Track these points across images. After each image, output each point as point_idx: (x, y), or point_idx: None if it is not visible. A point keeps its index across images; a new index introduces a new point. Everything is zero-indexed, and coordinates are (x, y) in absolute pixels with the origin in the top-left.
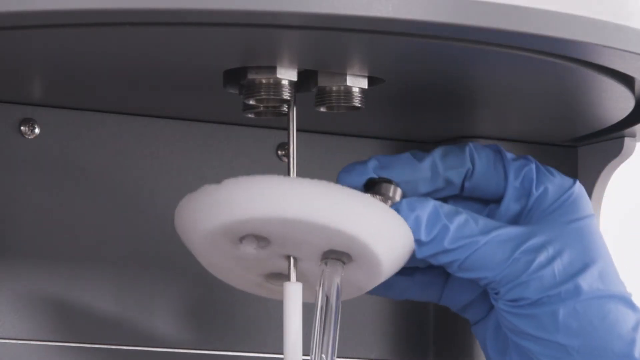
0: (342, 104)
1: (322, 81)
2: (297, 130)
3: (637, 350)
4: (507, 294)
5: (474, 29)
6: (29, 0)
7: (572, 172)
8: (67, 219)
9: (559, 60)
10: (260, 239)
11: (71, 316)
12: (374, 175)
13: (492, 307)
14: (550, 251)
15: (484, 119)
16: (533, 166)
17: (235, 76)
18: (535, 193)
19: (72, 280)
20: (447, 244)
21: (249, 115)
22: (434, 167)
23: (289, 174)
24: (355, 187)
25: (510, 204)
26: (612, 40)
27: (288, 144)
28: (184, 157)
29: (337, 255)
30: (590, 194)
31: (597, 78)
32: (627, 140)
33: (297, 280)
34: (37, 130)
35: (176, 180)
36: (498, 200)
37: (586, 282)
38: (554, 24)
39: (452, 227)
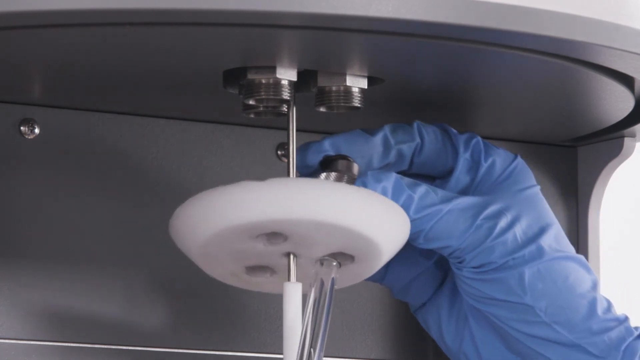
0: (342, 104)
1: (322, 81)
2: (297, 130)
3: (599, 308)
4: (472, 260)
5: (474, 29)
6: (29, 0)
7: (572, 172)
8: (67, 219)
9: (559, 60)
10: (273, 238)
11: (71, 316)
12: (330, 153)
13: (438, 286)
14: (508, 217)
15: (484, 119)
16: (479, 139)
17: (235, 76)
18: (485, 164)
19: (72, 280)
20: (412, 213)
21: (249, 115)
22: (385, 141)
23: (288, 174)
24: (311, 165)
25: (460, 176)
26: (612, 40)
27: (288, 144)
28: (184, 157)
29: (335, 256)
30: (590, 194)
31: (597, 78)
32: (627, 140)
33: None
34: (37, 130)
35: (176, 180)
36: (444, 176)
37: (546, 244)
38: (554, 24)
39: (416, 196)
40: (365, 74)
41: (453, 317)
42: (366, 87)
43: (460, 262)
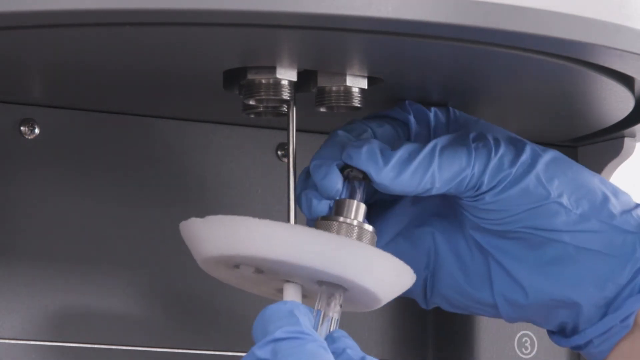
0: (342, 104)
1: (322, 81)
2: (297, 130)
3: (614, 188)
4: (490, 179)
5: (474, 29)
6: (29, 0)
7: None
8: (67, 219)
9: (559, 60)
10: (256, 267)
11: (71, 316)
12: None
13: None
14: (490, 136)
15: (484, 118)
16: (408, 101)
17: (235, 76)
18: (430, 113)
19: (71, 280)
20: (415, 166)
21: (249, 116)
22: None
23: (288, 174)
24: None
25: (417, 134)
26: (612, 40)
27: (288, 144)
28: (184, 157)
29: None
30: None
31: (597, 78)
32: (627, 140)
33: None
34: (37, 130)
35: (176, 180)
36: None
37: (535, 146)
38: (554, 24)
39: (408, 148)
40: (365, 74)
41: (471, 272)
42: (366, 87)
43: (477, 191)
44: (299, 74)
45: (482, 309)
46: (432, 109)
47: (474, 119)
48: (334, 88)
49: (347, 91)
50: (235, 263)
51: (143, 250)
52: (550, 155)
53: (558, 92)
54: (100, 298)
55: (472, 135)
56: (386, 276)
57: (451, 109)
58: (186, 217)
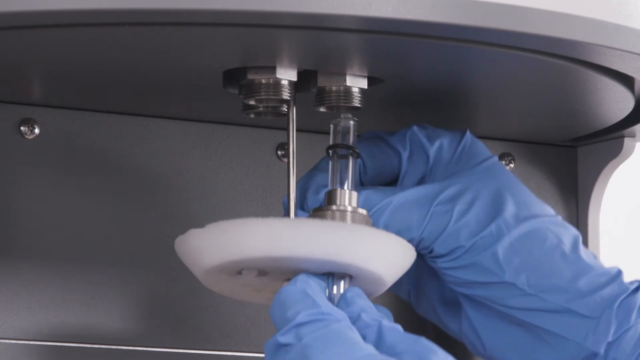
0: (342, 104)
1: (322, 81)
2: (297, 130)
3: (585, 267)
4: (440, 248)
5: (474, 29)
6: (29, 0)
7: (572, 172)
8: (67, 219)
9: (559, 60)
10: (259, 270)
11: (71, 316)
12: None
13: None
14: (468, 196)
15: (483, 118)
16: (415, 128)
17: (235, 76)
18: (432, 150)
19: (71, 280)
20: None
21: (249, 115)
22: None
23: (288, 174)
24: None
25: (409, 173)
26: (612, 40)
27: (288, 144)
28: (184, 157)
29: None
30: (590, 194)
31: (597, 78)
32: (627, 140)
33: None
34: (37, 130)
35: (176, 180)
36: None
37: (512, 215)
38: (554, 24)
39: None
40: (365, 74)
41: (448, 304)
42: (366, 87)
43: (430, 253)
44: (299, 74)
45: (456, 336)
46: (439, 141)
47: (487, 155)
48: (334, 88)
49: (347, 91)
50: (238, 269)
51: (143, 250)
52: (526, 227)
53: (558, 92)
54: (100, 298)
55: (445, 195)
56: (392, 257)
57: (467, 137)
58: (186, 217)
